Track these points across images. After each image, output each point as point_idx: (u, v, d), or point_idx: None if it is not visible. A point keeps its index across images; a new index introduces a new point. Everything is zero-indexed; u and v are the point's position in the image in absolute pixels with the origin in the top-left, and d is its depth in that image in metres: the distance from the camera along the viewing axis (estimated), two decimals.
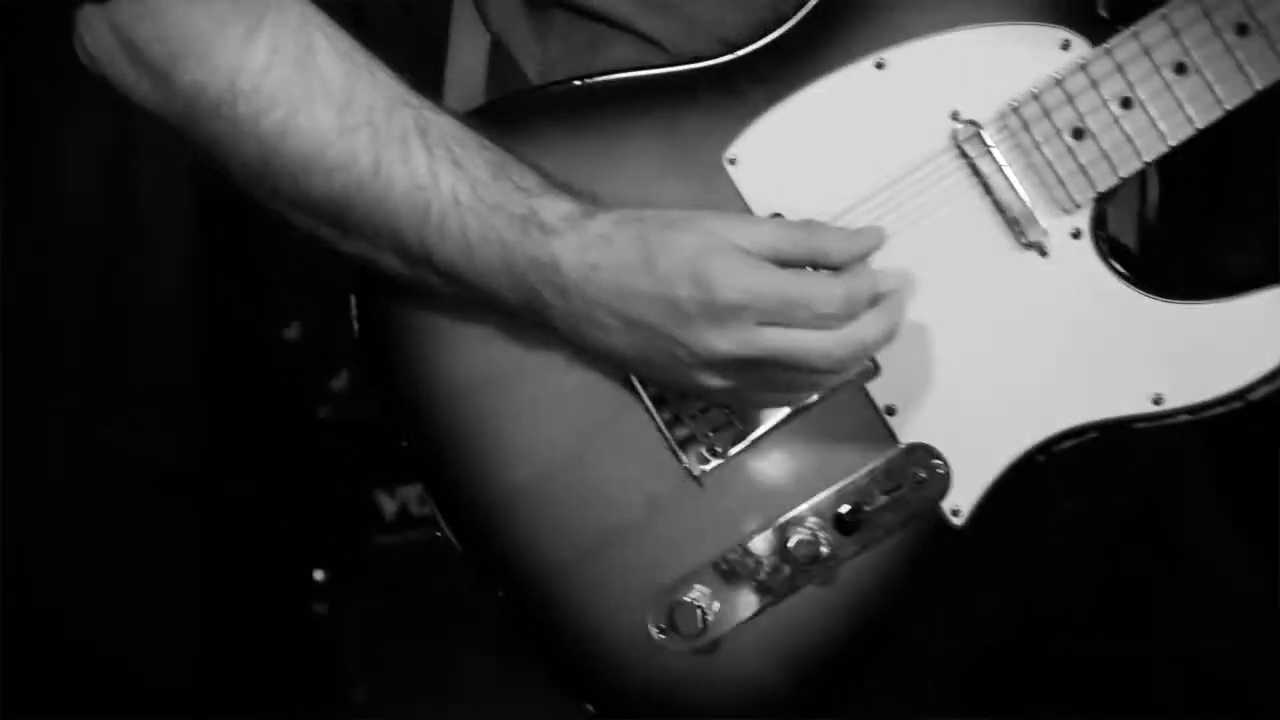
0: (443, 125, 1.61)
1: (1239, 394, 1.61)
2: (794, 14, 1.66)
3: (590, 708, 1.71)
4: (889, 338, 1.54)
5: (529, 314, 1.61)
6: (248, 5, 1.57)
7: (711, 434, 1.66)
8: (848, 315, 1.51)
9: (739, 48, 1.67)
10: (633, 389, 1.66)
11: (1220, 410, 1.62)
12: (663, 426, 1.66)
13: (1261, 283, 1.62)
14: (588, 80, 1.68)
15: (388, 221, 1.60)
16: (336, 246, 1.64)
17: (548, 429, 1.68)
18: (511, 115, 1.68)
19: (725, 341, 1.52)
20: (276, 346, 3.55)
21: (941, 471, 1.64)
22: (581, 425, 1.68)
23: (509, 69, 1.82)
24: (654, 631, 1.67)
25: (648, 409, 1.66)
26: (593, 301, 1.57)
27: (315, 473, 3.53)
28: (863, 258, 1.56)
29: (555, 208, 1.58)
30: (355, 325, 1.73)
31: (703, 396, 1.62)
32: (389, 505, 3.50)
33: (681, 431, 1.67)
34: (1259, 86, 1.60)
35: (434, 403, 1.71)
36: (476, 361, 1.70)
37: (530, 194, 1.58)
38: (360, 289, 1.72)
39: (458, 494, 1.72)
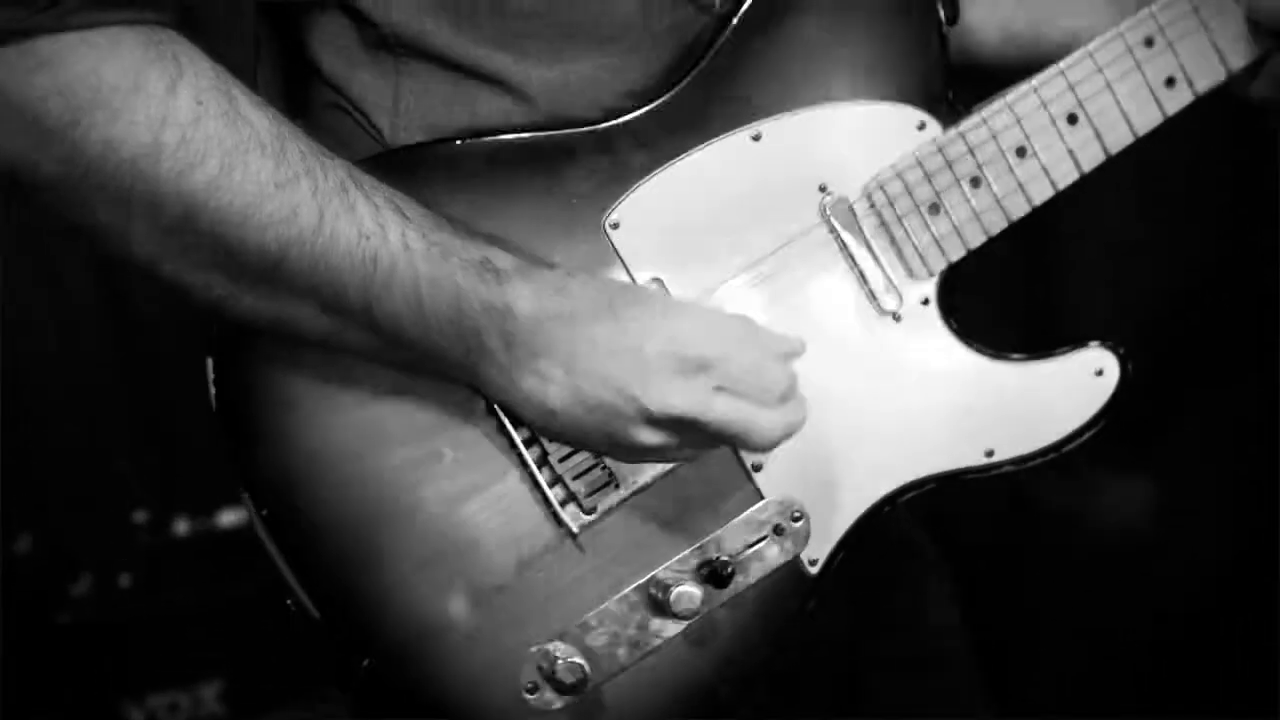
0: (370, 177, 1.56)
1: (1056, 447, 1.79)
2: (670, 80, 1.70)
3: None
4: (801, 426, 1.62)
5: (459, 368, 1.59)
6: (161, 58, 1.47)
7: (588, 493, 1.69)
8: (784, 399, 1.58)
9: (612, 110, 1.70)
10: (511, 449, 1.67)
11: (1039, 461, 1.80)
12: (544, 484, 1.67)
13: (1069, 343, 1.80)
14: (471, 141, 1.66)
15: (328, 275, 1.53)
16: (236, 305, 1.56)
17: (420, 492, 1.66)
18: (403, 169, 1.63)
19: (681, 399, 1.55)
20: (7, 561, 3.28)
21: (801, 524, 1.74)
22: (456, 487, 1.66)
23: (335, 121, 1.75)
24: (525, 691, 1.69)
25: (528, 468, 1.67)
26: (539, 350, 1.57)
27: (58, 683, 3.28)
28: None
29: (503, 256, 1.57)
30: (212, 390, 1.64)
31: (625, 454, 1.63)
32: (137, 716, 3.29)
33: (559, 491, 1.68)
34: (1086, 170, 1.76)
35: (299, 468, 1.65)
36: (347, 425, 1.65)
37: (477, 241, 1.56)
38: (219, 352, 1.63)
39: (322, 560, 1.66)
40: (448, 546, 1.67)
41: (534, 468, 1.67)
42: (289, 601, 1.68)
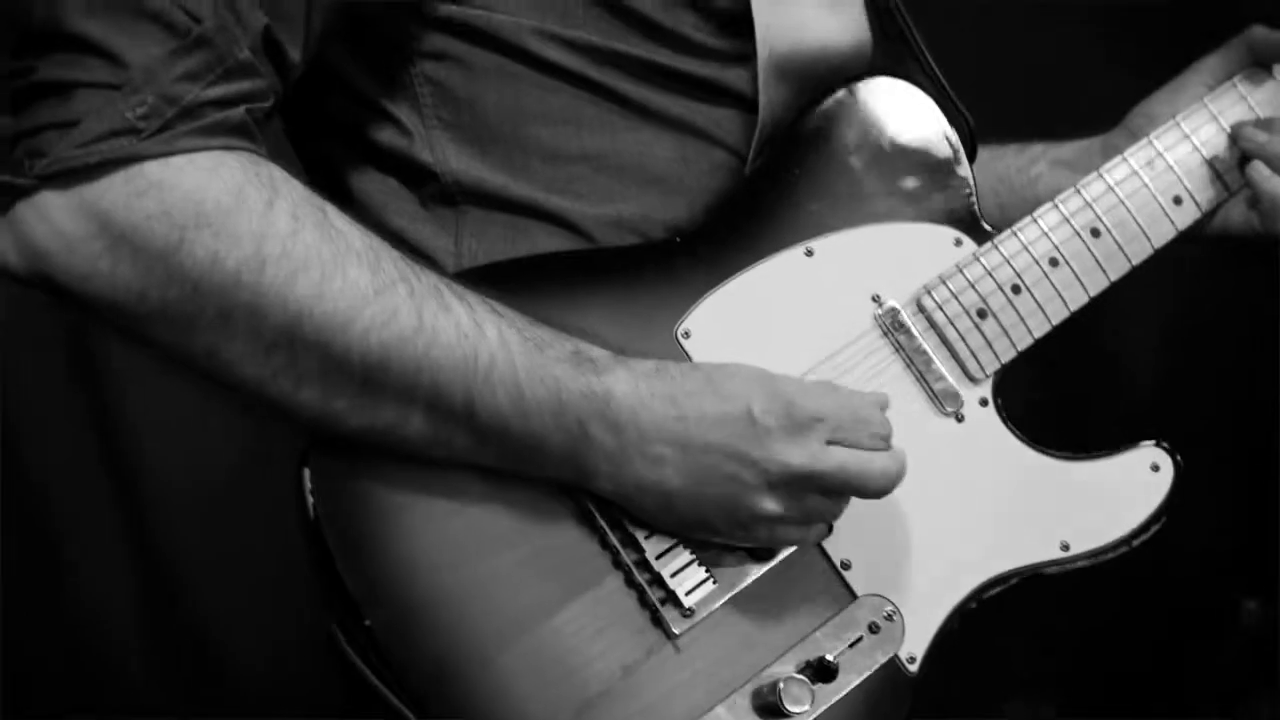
0: (459, 283, 1.64)
1: (1126, 540, 1.83)
2: (715, 211, 1.82)
3: None
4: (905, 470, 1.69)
5: (564, 462, 1.63)
6: (259, 177, 1.56)
7: (687, 592, 1.69)
8: (889, 443, 1.66)
9: (657, 241, 1.80)
10: (605, 551, 1.68)
11: (1111, 555, 1.83)
12: (644, 585, 1.68)
13: (1122, 445, 1.88)
14: (542, 255, 1.76)
15: (430, 376, 1.58)
16: (346, 422, 1.60)
17: (518, 600, 1.65)
18: (482, 283, 1.70)
19: (800, 454, 1.61)
20: None
21: (895, 620, 1.74)
22: (553, 593, 1.66)
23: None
24: None
25: (624, 570, 1.67)
26: (647, 432, 1.61)
27: None
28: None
29: (595, 348, 1.63)
30: (309, 500, 1.65)
31: (745, 531, 1.66)
32: None
33: (658, 592, 1.68)
34: (1113, 278, 1.89)
35: (396, 579, 1.64)
36: (441, 535, 1.65)
37: (570, 336, 1.62)
38: (316, 464, 1.66)
39: (422, 672, 1.63)
40: (548, 655, 1.64)
41: (632, 568, 1.67)
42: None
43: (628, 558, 1.68)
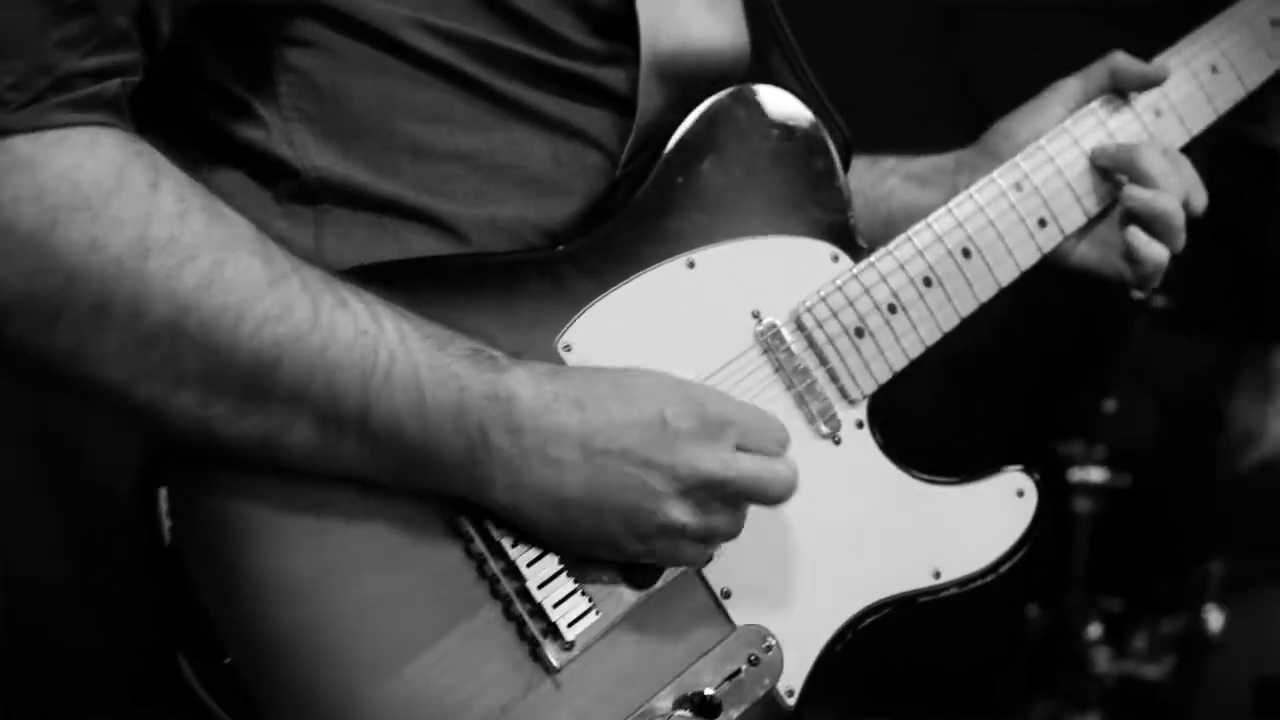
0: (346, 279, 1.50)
1: (994, 567, 1.80)
2: (595, 217, 1.72)
3: None
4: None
5: (457, 471, 1.51)
6: (140, 156, 1.41)
7: (569, 623, 1.58)
8: (786, 446, 1.63)
9: (534, 245, 1.70)
10: (482, 579, 1.56)
11: (979, 583, 1.80)
12: (525, 618, 1.57)
13: (988, 469, 1.85)
14: (417, 260, 1.63)
15: (325, 375, 1.44)
16: (221, 430, 1.45)
17: (390, 633, 1.53)
18: (370, 282, 1.56)
19: (711, 459, 1.54)
20: None
21: (774, 652, 1.67)
22: (426, 627, 1.54)
23: None
24: None
25: (502, 599, 1.56)
26: (550, 434, 1.51)
27: None
28: None
29: (493, 348, 1.53)
30: (166, 524, 1.49)
31: (643, 542, 1.57)
32: None
33: (540, 624, 1.58)
34: (982, 299, 1.86)
35: (261, 608, 1.50)
36: (312, 558, 1.52)
37: (466, 335, 1.51)
38: (175, 481, 1.49)
39: (286, 712, 1.49)
40: (422, 694, 1.52)
41: (513, 597, 1.57)
42: None
43: (508, 586, 1.57)
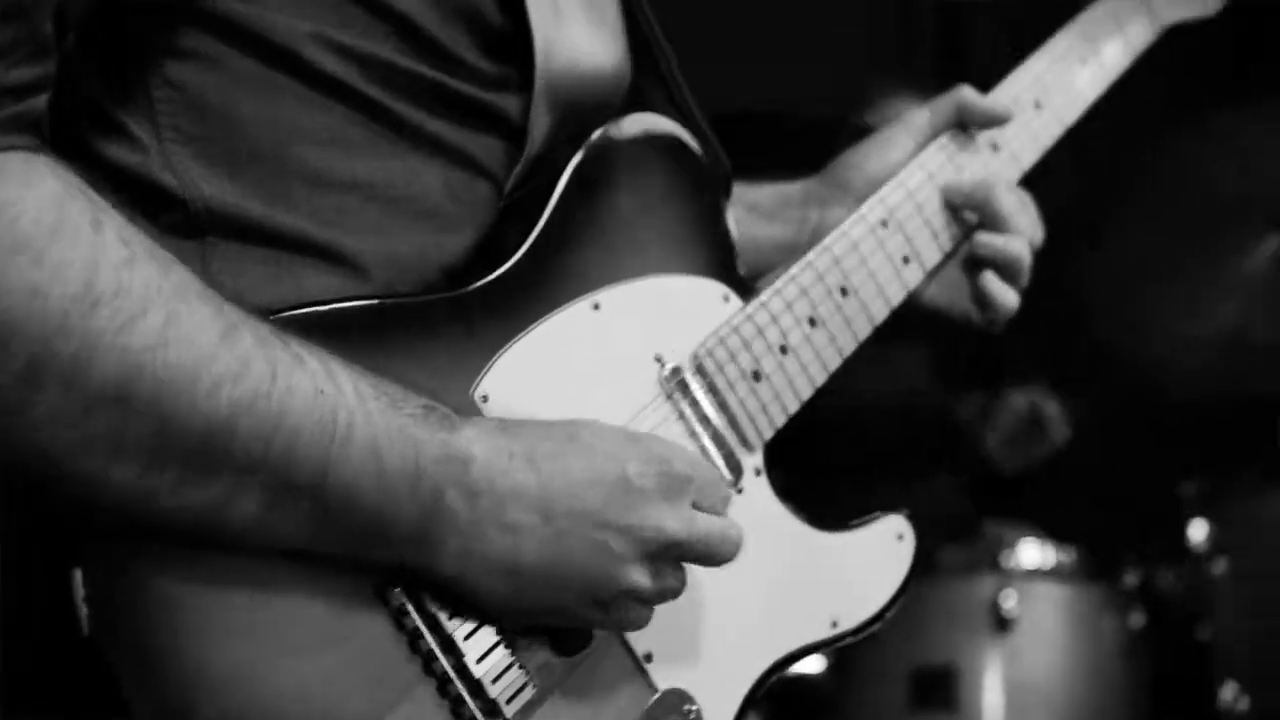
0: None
1: (881, 614, 1.77)
2: (497, 255, 1.59)
3: None
4: None
5: (406, 543, 1.38)
6: (75, 187, 1.23)
7: (508, 699, 1.46)
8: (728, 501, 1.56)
9: (437, 284, 1.57)
10: (415, 656, 1.42)
11: (868, 631, 1.77)
12: (465, 697, 1.43)
13: (870, 515, 1.81)
14: (322, 309, 1.45)
15: (283, 442, 1.28)
16: (158, 503, 1.27)
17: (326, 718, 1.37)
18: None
19: (674, 521, 1.46)
20: None
21: (695, 716, 1.59)
22: (363, 708, 1.39)
23: None
24: None
25: (437, 678, 1.42)
26: (507, 497, 1.39)
27: None
28: None
29: (443, 405, 1.40)
30: (83, 610, 1.28)
31: (609, 604, 1.47)
32: None
33: (480, 702, 1.45)
34: (860, 338, 1.82)
35: (190, 700, 1.31)
36: (242, 641, 1.34)
37: (416, 389, 1.38)
38: (93, 562, 1.29)
39: None
40: None
41: (450, 675, 1.43)
42: None
43: (444, 663, 1.43)
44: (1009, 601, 3.63)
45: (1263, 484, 3.61)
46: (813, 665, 3.81)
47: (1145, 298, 3.74)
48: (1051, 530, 3.91)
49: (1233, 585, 3.63)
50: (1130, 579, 3.81)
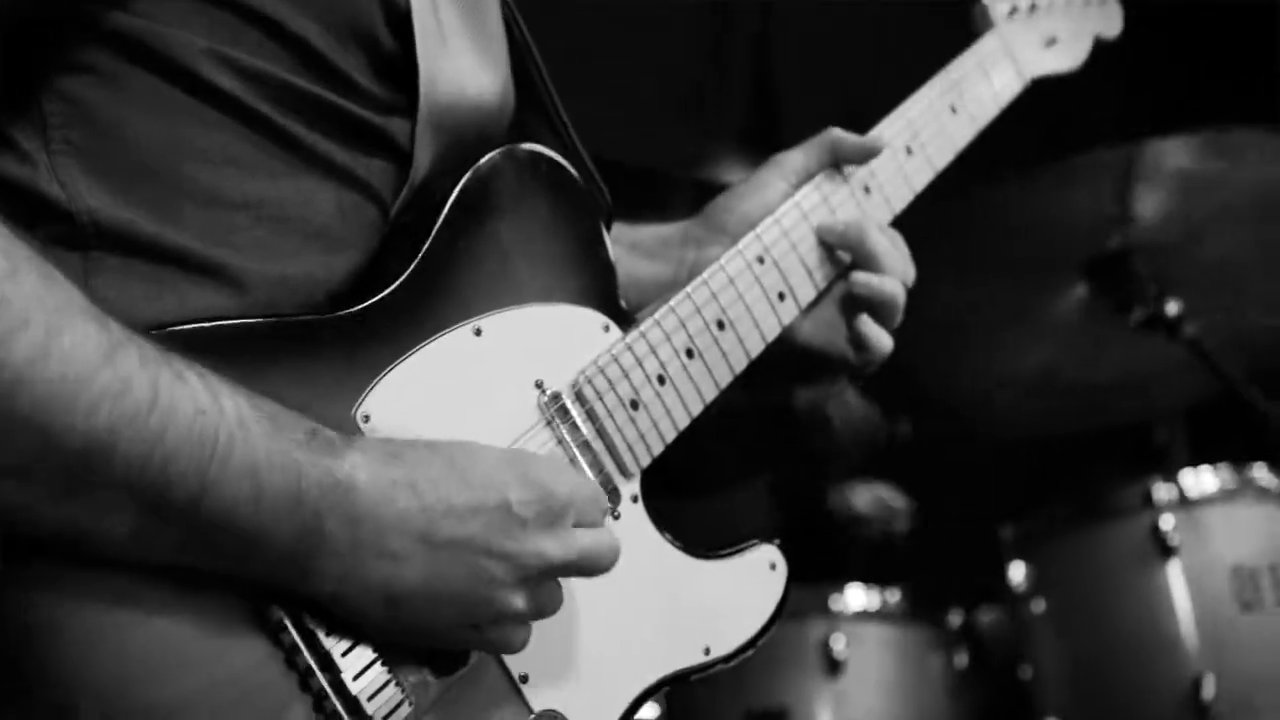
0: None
1: (753, 641, 1.78)
2: (382, 278, 1.59)
3: None
4: None
5: (288, 562, 1.37)
6: None
7: (384, 717, 1.45)
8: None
9: (322, 304, 1.57)
10: (291, 672, 1.42)
11: (741, 658, 1.78)
12: (341, 713, 1.43)
13: (743, 543, 1.82)
14: (203, 326, 1.45)
15: (161, 462, 1.28)
16: (30, 517, 1.26)
17: None
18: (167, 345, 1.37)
19: (556, 546, 1.47)
20: None
21: None
22: None
23: None
24: None
25: (319, 694, 1.42)
26: (388, 526, 1.39)
27: None
28: None
29: (328, 429, 1.40)
30: None
31: (485, 627, 1.48)
32: None
33: (355, 719, 1.44)
34: (736, 371, 1.84)
35: (64, 718, 1.29)
36: (117, 656, 1.33)
37: (300, 411, 1.37)
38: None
39: None
40: None
41: (328, 691, 1.42)
42: None
43: (321, 679, 1.43)
44: (839, 644, 3.67)
45: (1074, 522, 3.72)
46: (647, 710, 3.81)
47: (960, 344, 3.83)
48: (877, 573, 3.97)
49: (1051, 623, 3.72)
50: (954, 619, 3.89)
